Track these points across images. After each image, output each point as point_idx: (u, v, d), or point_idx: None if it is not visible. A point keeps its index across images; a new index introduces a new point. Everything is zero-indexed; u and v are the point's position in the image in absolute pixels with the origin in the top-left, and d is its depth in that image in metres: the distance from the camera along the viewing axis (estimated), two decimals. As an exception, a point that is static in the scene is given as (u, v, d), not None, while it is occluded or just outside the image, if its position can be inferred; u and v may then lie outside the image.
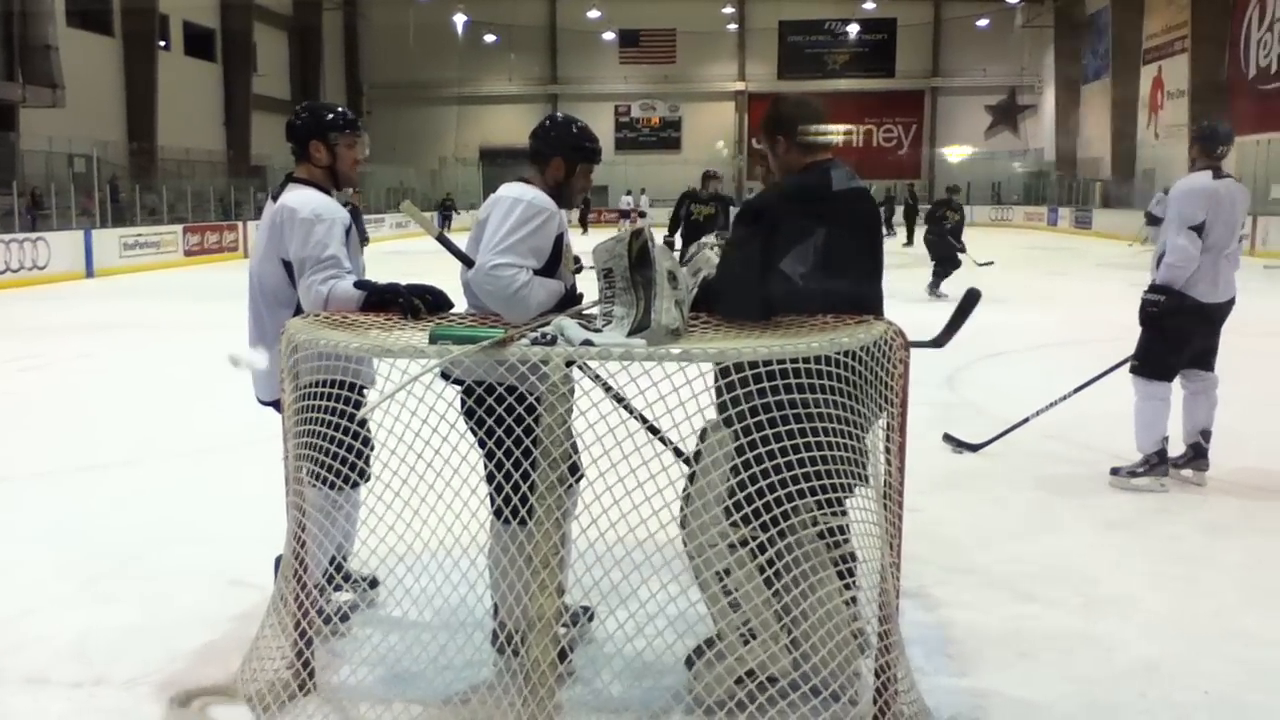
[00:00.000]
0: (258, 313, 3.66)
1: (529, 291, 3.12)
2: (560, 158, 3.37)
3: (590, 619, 3.57)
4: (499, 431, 2.91)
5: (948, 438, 6.29)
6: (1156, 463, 5.38)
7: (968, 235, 15.84)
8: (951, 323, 3.41)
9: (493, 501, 3.20)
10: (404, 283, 3.33)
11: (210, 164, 32.67)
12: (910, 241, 28.38)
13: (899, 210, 31.33)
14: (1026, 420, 6.07)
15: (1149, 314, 5.37)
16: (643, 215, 38.08)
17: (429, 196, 39.03)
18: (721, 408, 2.91)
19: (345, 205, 3.66)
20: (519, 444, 2.86)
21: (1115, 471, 5.48)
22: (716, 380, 2.89)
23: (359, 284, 3.41)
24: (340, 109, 3.78)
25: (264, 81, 37.20)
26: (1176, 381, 5.45)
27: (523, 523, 2.95)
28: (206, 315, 9.78)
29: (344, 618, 3.63)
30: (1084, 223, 35.29)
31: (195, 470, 6.00)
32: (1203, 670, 3.43)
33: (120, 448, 6.50)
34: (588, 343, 2.74)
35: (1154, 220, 18.85)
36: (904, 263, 19.41)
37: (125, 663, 3.45)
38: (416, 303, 3.24)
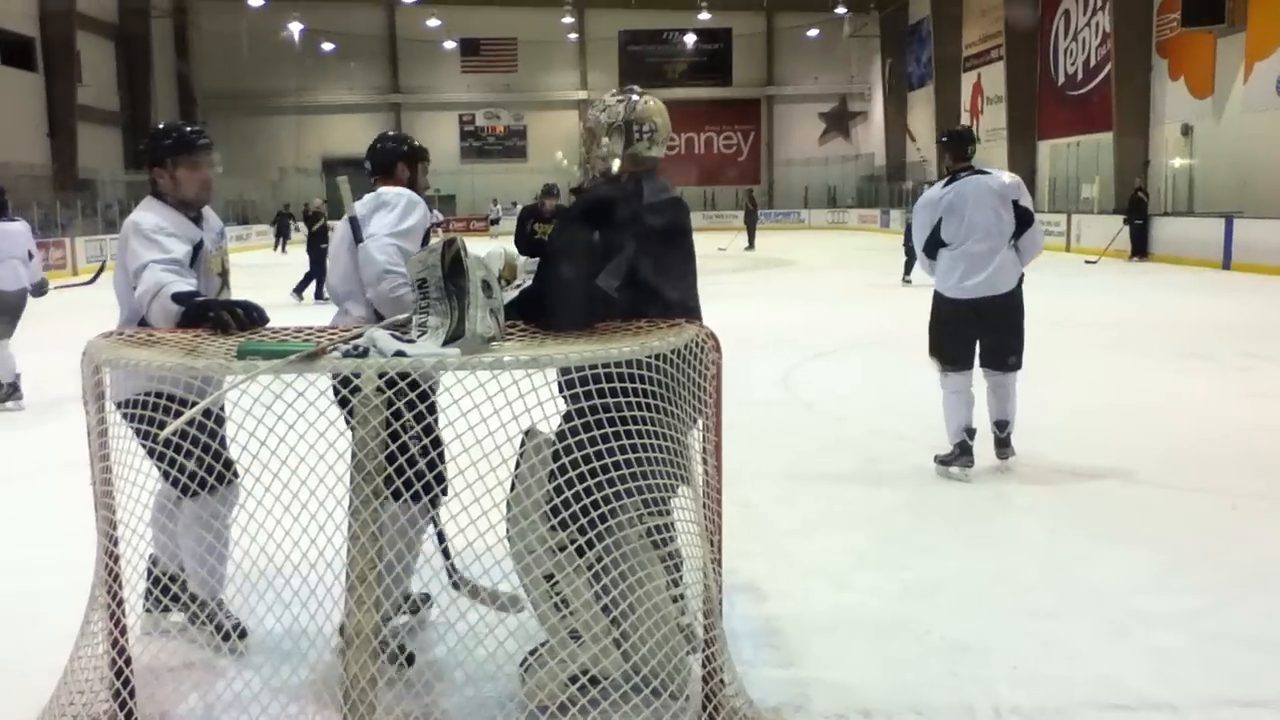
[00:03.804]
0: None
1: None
2: (402, 162, 3.89)
3: (429, 605, 3.70)
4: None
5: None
6: (958, 454, 5.65)
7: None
8: None
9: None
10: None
11: (33, 178, 30.82)
12: (751, 245, 29.04)
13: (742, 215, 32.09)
14: None
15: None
16: (495, 223, 38.08)
17: (268, 208, 37.89)
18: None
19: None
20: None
21: (936, 459, 5.77)
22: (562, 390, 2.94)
23: (177, 296, 3.33)
24: (178, 131, 3.75)
25: (90, 92, 35.34)
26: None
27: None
28: (19, 337, 9.26)
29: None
30: (914, 223, 36.72)
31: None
32: (1006, 646, 3.63)
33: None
34: (400, 353, 2.73)
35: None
36: (743, 265, 19.85)
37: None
38: (226, 317, 3.17)
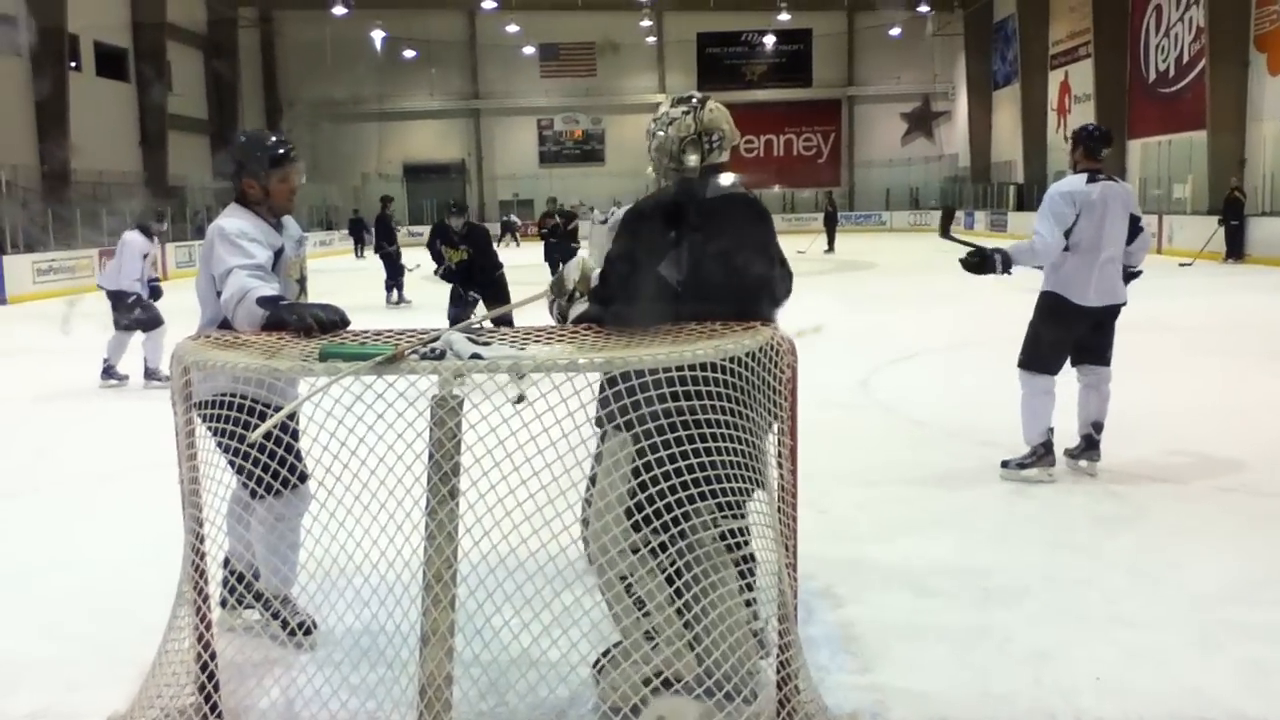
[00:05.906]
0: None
1: None
2: None
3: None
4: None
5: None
6: (1043, 454, 5.53)
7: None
8: None
9: None
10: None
11: (125, 185, 31.83)
12: (831, 247, 28.80)
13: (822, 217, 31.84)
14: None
15: (965, 262, 5.51)
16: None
17: (344, 214, 38.69)
18: (609, 416, 2.94)
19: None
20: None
21: (1005, 464, 5.64)
22: (602, 389, 2.93)
23: (262, 300, 3.40)
24: (267, 143, 3.80)
25: (180, 101, 36.41)
26: (1072, 374, 5.63)
27: None
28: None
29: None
30: (999, 225, 36.07)
31: (90, 496, 5.89)
32: (1091, 656, 3.54)
33: (13, 475, 6.38)
34: (476, 356, 2.76)
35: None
36: (823, 268, 19.69)
37: (21, 695, 3.39)
38: (309, 320, 3.23)
